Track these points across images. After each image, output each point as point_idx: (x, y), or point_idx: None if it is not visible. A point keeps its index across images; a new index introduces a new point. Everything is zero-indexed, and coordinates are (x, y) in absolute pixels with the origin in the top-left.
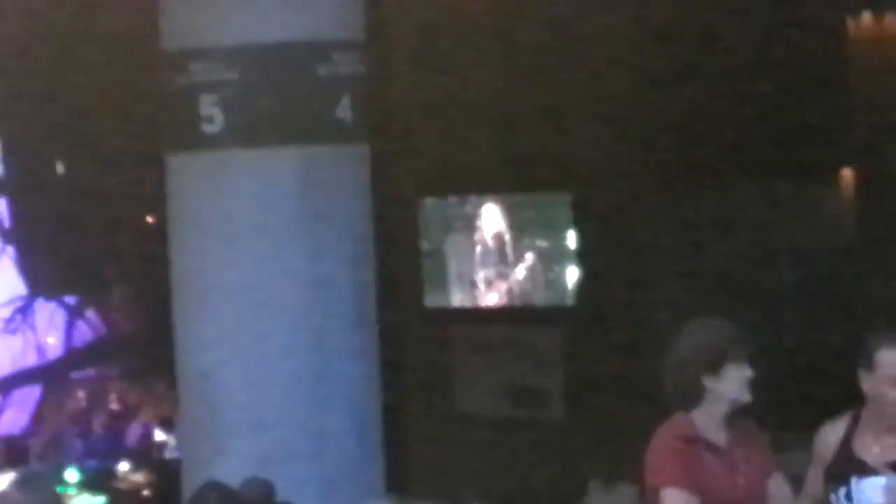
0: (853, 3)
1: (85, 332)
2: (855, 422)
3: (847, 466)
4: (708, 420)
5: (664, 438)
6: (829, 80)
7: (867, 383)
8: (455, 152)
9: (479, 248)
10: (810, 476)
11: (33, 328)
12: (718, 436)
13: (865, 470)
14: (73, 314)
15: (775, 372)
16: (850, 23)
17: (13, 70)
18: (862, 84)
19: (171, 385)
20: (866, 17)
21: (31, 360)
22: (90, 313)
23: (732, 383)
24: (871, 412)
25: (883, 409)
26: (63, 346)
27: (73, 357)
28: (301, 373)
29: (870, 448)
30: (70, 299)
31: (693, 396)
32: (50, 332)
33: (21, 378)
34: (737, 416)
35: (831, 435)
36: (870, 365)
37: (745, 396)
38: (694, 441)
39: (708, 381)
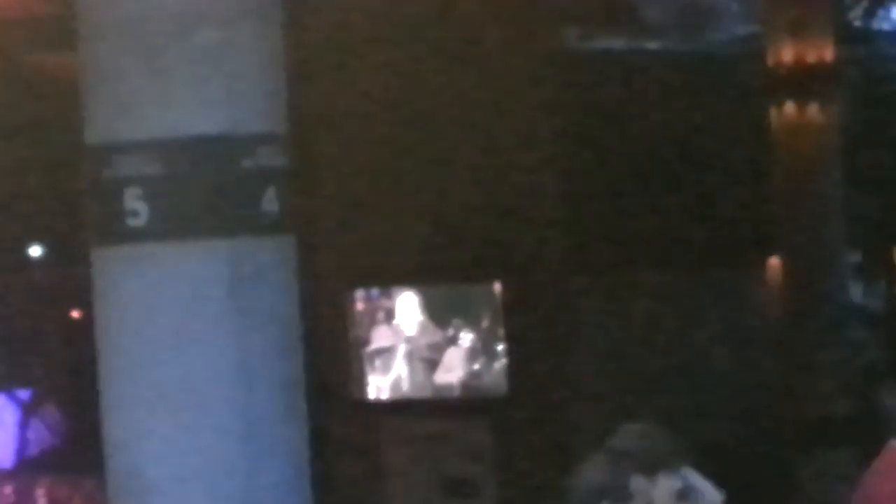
0: (776, 93)
1: (41, 435)
2: None
3: None
4: None
5: None
6: (755, 169)
7: None
8: (381, 244)
9: (405, 340)
10: None
11: None
12: None
13: None
14: (28, 412)
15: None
16: (774, 112)
17: None
18: (784, 173)
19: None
20: (789, 106)
21: None
22: (50, 409)
23: (663, 492)
24: None
25: None
26: (15, 454)
27: (28, 467)
28: (230, 467)
29: None
30: (24, 393)
31: (620, 499)
32: None
33: None
34: None
35: None
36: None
37: None
38: None
39: (638, 484)
